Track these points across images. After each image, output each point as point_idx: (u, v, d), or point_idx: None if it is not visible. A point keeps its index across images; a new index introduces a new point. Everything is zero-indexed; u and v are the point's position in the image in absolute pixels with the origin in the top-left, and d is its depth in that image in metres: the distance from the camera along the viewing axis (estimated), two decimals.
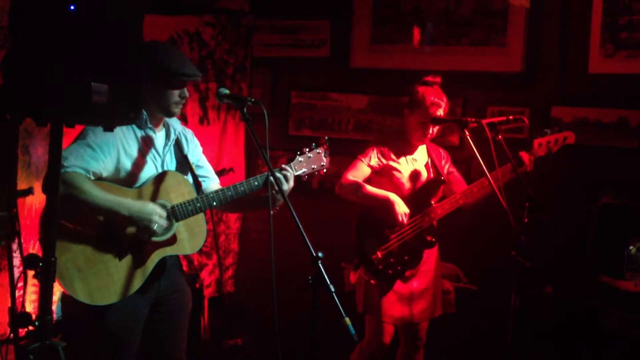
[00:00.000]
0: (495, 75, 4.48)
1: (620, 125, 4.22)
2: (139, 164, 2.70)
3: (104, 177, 2.64)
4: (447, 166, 3.71)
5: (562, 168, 4.21)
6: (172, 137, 2.85)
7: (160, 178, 2.74)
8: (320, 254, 2.25)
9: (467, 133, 3.22)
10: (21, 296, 2.40)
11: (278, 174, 2.76)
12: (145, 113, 2.72)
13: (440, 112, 3.45)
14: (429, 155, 3.66)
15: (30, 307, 3.49)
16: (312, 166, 2.92)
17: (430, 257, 3.62)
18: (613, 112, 4.23)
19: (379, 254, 3.47)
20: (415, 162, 3.62)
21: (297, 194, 2.84)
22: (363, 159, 3.54)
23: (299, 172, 2.88)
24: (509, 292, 3.14)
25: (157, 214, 2.62)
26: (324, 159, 2.94)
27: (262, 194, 2.82)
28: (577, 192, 4.23)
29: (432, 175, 3.62)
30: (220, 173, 3.12)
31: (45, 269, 2.02)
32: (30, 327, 2.04)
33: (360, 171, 3.52)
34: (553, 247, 4.06)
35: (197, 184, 2.84)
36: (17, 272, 3.26)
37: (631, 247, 3.86)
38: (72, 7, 1.87)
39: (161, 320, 2.84)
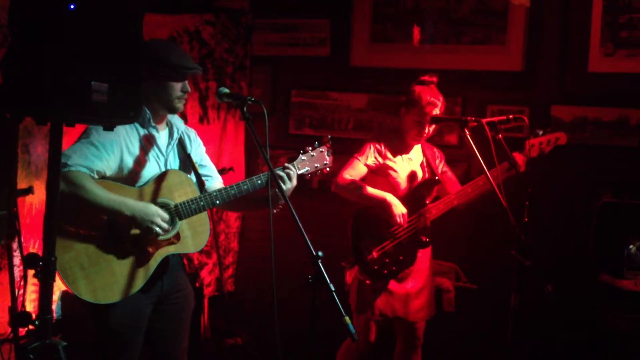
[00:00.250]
0: (495, 74, 4.48)
1: (620, 124, 4.22)
2: (142, 162, 2.70)
3: (108, 175, 2.64)
4: (441, 165, 3.71)
5: (562, 167, 4.21)
6: (175, 136, 2.85)
7: (163, 177, 2.74)
8: (320, 253, 2.25)
9: (467, 132, 3.22)
10: (21, 295, 2.40)
11: (281, 173, 2.76)
12: (148, 112, 2.72)
13: (437, 112, 3.45)
14: (424, 154, 3.67)
15: (31, 306, 3.49)
16: (315, 165, 2.92)
17: (424, 256, 3.62)
18: (613, 110, 4.23)
19: (375, 254, 3.48)
20: (411, 161, 3.62)
21: (297, 194, 2.84)
22: (360, 158, 3.54)
23: (302, 171, 2.88)
24: (508, 292, 3.14)
25: (159, 217, 2.62)
26: (327, 157, 2.94)
27: (265, 193, 2.83)
28: (577, 191, 4.23)
29: (427, 175, 3.63)
30: (220, 172, 3.12)
31: (45, 268, 2.02)
32: (31, 327, 2.04)
33: (356, 170, 3.52)
34: (553, 246, 4.05)
35: (201, 183, 2.84)
36: (17, 272, 3.26)
37: (631, 246, 3.86)
38: (72, 6, 1.87)
39: (164, 319, 2.84)
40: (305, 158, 2.90)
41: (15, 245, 3.21)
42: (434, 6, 4.63)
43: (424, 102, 3.43)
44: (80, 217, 2.57)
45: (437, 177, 3.58)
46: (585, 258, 4.03)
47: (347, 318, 2.18)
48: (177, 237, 2.73)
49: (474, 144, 3.17)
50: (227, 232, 5.04)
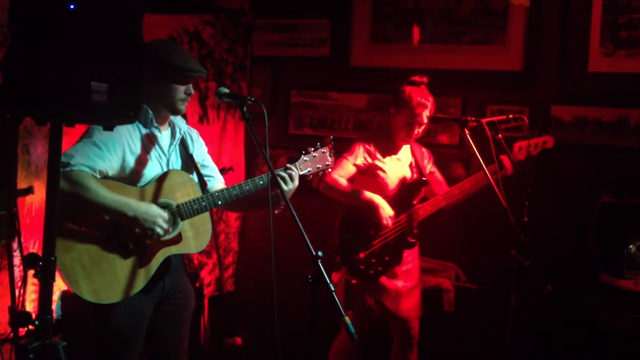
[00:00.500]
0: (495, 74, 4.48)
1: (620, 124, 4.23)
2: (144, 162, 2.71)
3: (110, 175, 2.64)
4: (429, 166, 3.72)
5: (562, 167, 4.22)
6: (178, 136, 2.85)
7: (165, 177, 2.74)
8: (320, 253, 2.25)
9: (467, 132, 3.22)
10: (21, 295, 2.40)
11: (283, 173, 2.76)
12: (150, 112, 2.72)
13: (427, 113, 3.46)
14: (413, 155, 3.67)
15: (30, 306, 3.49)
16: (317, 165, 2.92)
17: (412, 256, 3.63)
18: (613, 110, 4.23)
19: (361, 255, 3.49)
20: (400, 162, 3.63)
21: (297, 193, 2.85)
22: (349, 158, 3.54)
23: (304, 172, 2.88)
24: (508, 291, 3.14)
25: (161, 218, 2.62)
26: (329, 158, 2.95)
27: (266, 193, 2.82)
28: (576, 191, 4.23)
29: (415, 175, 3.64)
30: (220, 172, 3.12)
31: (45, 268, 2.02)
32: (31, 327, 2.04)
33: (345, 170, 3.52)
34: (553, 246, 4.06)
35: (203, 183, 2.84)
36: (17, 271, 3.26)
37: (631, 246, 3.86)
38: (71, 6, 1.87)
39: (164, 319, 2.84)
40: (307, 159, 2.90)
41: (15, 245, 3.22)
42: (433, 6, 4.63)
43: (414, 103, 3.43)
44: (82, 217, 2.57)
45: (425, 178, 3.59)
46: (585, 258, 4.03)
47: (347, 318, 2.18)
48: (179, 237, 2.73)
49: (474, 144, 3.18)
50: (227, 232, 5.04)
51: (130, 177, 2.68)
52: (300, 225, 2.32)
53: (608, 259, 3.92)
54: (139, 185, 2.69)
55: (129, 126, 2.69)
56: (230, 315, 4.74)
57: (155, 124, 2.76)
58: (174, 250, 2.73)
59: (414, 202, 3.56)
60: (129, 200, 2.59)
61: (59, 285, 2.61)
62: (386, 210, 3.45)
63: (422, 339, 3.72)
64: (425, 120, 3.48)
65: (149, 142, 2.75)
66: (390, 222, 3.46)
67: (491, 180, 3.15)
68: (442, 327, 4.04)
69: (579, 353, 3.92)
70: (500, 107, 4.42)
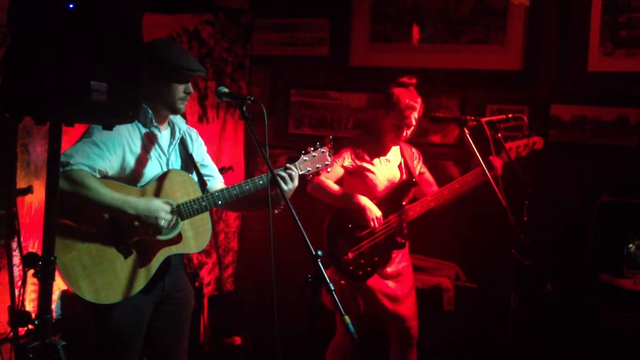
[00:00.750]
0: (495, 73, 4.48)
1: (619, 123, 4.23)
2: (144, 162, 2.70)
3: (110, 175, 2.64)
4: (419, 166, 3.72)
5: (561, 166, 4.22)
6: (177, 135, 2.85)
7: (165, 177, 2.74)
8: (319, 253, 2.26)
9: (467, 131, 3.22)
10: (21, 295, 2.39)
11: (283, 173, 2.76)
12: (150, 111, 2.72)
13: (415, 115, 3.46)
14: (402, 155, 3.67)
15: (30, 306, 3.49)
16: (317, 165, 2.92)
17: (404, 257, 3.63)
18: (612, 110, 4.23)
19: (350, 255, 3.49)
20: (389, 162, 3.63)
21: (297, 193, 2.85)
22: (336, 160, 3.53)
23: (304, 171, 2.88)
24: (508, 291, 3.15)
25: (163, 210, 2.61)
26: (329, 158, 2.95)
27: (266, 193, 2.82)
28: (576, 190, 4.23)
29: (404, 176, 3.63)
30: (219, 171, 3.12)
31: (44, 268, 2.01)
32: (30, 326, 2.04)
33: (333, 172, 3.51)
34: (552, 245, 4.06)
35: (202, 183, 2.84)
36: (16, 271, 3.26)
37: (631, 245, 3.86)
38: (71, 5, 1.87)
39: (164, 318, 2.84)
40: (307, 158, 2.90)
41: (14, 244, 3.21)
42: (433, 6, 4.63)
43: (403, 105, 3.43)
44: (82, 217, 2.57)
45: (414, 179, 3.58)
46: (584, 257, 4.03)
47: (347, 317, 2.18)
48: (179, 237, 2.73)
49: (473, 143, 3.18)
50: (226, 232, 5.04)
51: (130, 177, 2.68)
52: (300, 225, 2.32)
53: (608, 258, 3.92)
54: (139, 185, 2.69)
55: (129, 126, 2.69)
56: (230, 314, 4.74)
57: (155, 124, 2.76)
58: (174, 250, 2.73)
59: (404, 203, 3.56)
60: (129, 197, 2.59)
61: (59, 285, 2.61)
62: (373, 212, 3.45)
63: (422, 339, 3.72)
64: (414, 122, 3.48)
65: (148, 141, 2.75)
66: (377, 223, 3.46)
67: (491, 180, 3.15)
68: (442, 327, 4.04)
69: (578, 353, 3.92)
70: (499, 106, 4.42)
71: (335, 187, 3.52)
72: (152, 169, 2.73)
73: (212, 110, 4.83)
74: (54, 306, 3.64)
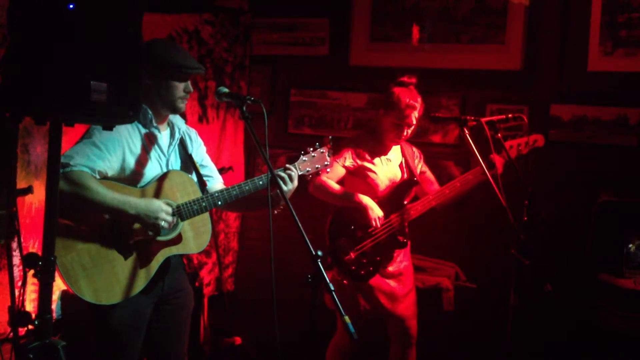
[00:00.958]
0: (495, 73, 4.48)
1: (619, 123, 4.22)
2: (144, 163, 2.70)
3: (110, 176, 2.64)
4: (420, 165, 3.72)
5: (561, 166, 4.22)
6: (177, 136, 2.85)
7: (165, 177, 2.74)
8: (319, 253, 2.26)
9: (467, 131, 3.22)
10: (21, 295, 2.39)
11: (282, 174, 2.76)
12: (150, 112, 2.72)
13: (416, 114, 3.46)
14: (403, 154, 3.67)
15: (30, 306, 3.49)
16: (316, 165, 2.93)
17: (405, 255, 3.63)
18: (612, 109, 4.23)
19: (352, 255, 3.49)
20: (390, 162, 3.63)
21: (297, 193, 2.85)
22: (337, 160, 3.53)
23: (303, 172, 2.88)
24: (508, 290, 3.14)
25: (163, 211, 2.62)
26: (328, 158, 2.95)
27: (266, 193, 2.82)
28: (576, 190, 4.23)
29: (406, 175, 3.64)
30: (219, 172, 3.13)
31: (44, 268, 2.01)
32: (30, 326, 2.03)
33: (334, 172, 3.52)
34: (552, 245, 4.06)
35: (202, 184, 2.84)
36: (16, 271, 3.26)
37: (630, 245, 3.86)
38: (71, 6, 1.87)
39: (164, 319, 2.84)
40: (306, 159, 2.90)
41: (14, 244, 3.21)
42: (433, 5, 4.63)
43: (403, 105, 3.43)
44: (82, 217, 2.57)
45: (415, 179, 3.59)
46: (584, 257, 4.03)
47: (346, 317, 2.18)
48: (179, 237, 2.73)
49: (473, 143, 3.18)
50: (226, 232, 5.04)
51: (130, 178, 2.68)
52: (300, 225, 2.32)
53: (607, 258, 3.92)
54: (139, 185, 2.69)
55: (129, 126, 2.69)
56: (230, 314, 4.74)
57: (155, 124, 2.76)
58: (174, 250, 2.73)
59: (405, 202, 3.56)
60: (130, 198, 2.59)
61: (59, 285, 2.60)
62: (375, 211, 3.45)
63: (421, 338, 3.72)
64: (414, 122, 3.48)
65: (148, 142, 2.75)
66: (379, 223, 3.46)
67: (490, 179, 3.16)
68: (442, 327, 4.04)
69: (578, 352, 3.92)
70: (499, 106, 4.42)
71: (337, 187, 3.52)
72: (152, 170, 2.73)
73: (212, 110, 4.83)
74: (54, 306, 3.64)
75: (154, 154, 2.75)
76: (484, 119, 3.27)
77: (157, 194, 2.70)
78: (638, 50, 4.17)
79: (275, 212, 2.80)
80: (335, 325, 3.74)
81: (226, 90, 2.70)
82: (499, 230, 3.34)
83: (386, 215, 3.50)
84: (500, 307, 3.37)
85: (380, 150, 3.61)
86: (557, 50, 4.35)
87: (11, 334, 2.59)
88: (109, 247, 2.61)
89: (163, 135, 2.81)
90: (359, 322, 3.54)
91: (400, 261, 3.61)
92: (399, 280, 3.60)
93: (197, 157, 2.93)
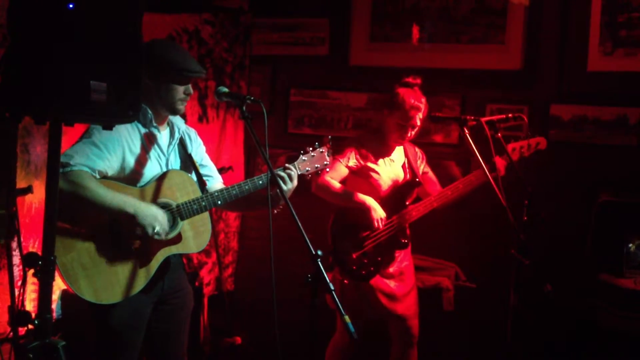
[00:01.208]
0: (495, 73, 4.48)
1: (619, 123, 4.23)
2: (143, 162, 2.70)
3: (109, 175, 2.64)
4: (422, 166, 3.72)
5: (561, 166, 4.22)
6: (177, 135, 2.85)
7: (165, 177, 2.74)
8: (319, 252, 2.26)
9: (467, 131, 3.22)
10: (21, 295, 2.39)
11: (282, 173, 2.77)
12: (150, 112, 2.72)
13: (420, 116, 3.46)
14: (406, 155, 3.67)
15: (30, 305, 3.49)
16: (316, 165, 2.93)
17: (406, 257, 3.63)
18: (612, 109, 4.23)
19: (354, 255, 3.49)
20: (393, 163, 3.63)
21: (296, 193, 2.85)
22: (341, 160, 3.53)
23: (303, 172, 2.88)
24: (508, 290, 3.14)
25: (160, 217, 2.61)
26: (327, 158, 2.95)
27: (265, 193, 2.82)
28: (576, 190, 4.23)
29: (408, 176, 3.64)
30: (219, 171, 3.13)
31: (44, 268, 2.01)
32: (30, 326, 2.03)
33: (337, 172, 3.52)
34: (552, 245, 4.06)
35: (202, 183, 2.84)
36: (16, 271, 3.26)
37: (630, 245, 3.86)
38: (70, 5, 1.87)
39: (163, 318, 2.84)
40: (306, 158, 2.91)
41: (14, 244, 3.21)
42: (433, 5, 4.63)
43: (407, 106, 3.43)
44: (82, 217, 2.57)
45: (417, 180, 3.58)
46: (584, 257, 4.03)
47: (347, 317, 2.18)
48: (179, 237, 2.73)
49: (473, 143, 3.18)
50: (226, 231, 5.04)
51: (130, 177, 2.68)
52: (300, 225, 2.32)
53: (607, 258, 3.92)
54: (138, 185, 2.69)
55: (128, 126, 2.69)
56: (230, 314, 4.74)
57: (155, 124, 2.76)
58: (174, 250, 2.73)
59: (407, 203, 3.56)
60: (129, 198, 2.60)
61: (59, 285, 2.61)
62: (378, 212, 3.45)
63: (421, 338, 3.72)
64: (419, 123, 3.48)
65: (148, 142, 2.75)
66: (381, 224, 3.46)
67: (490, 179, 3.15)
68: (442, 327, 4.04)
69: (578, 352, 3.92)
70: (499, 106, 4.42)
71: (340, 187, 3.52)
72: (152, 169, 2.73)
73: (212, 110, 4.83)
74: (54, 306, 3.64)
75: (153, 153, 2.75)
76: (483, 119, 3.27)
77: (157, 194, 2.70)
78: (638, 50, 4.17)
79: (275, 211, 2.80)
80: (335, 325, 3.74)
81: (226, 90, 2.71)
82: (499, 230, 3.33)
83: (388, 216, 3.50)
84: (500, 307, 3.36)
85: (383, 150, 3.60)
86: (557, 50, 4.36)
87: (11, 333, 2.59)
88: (109, 246, 2.61)
89: (163, 135, 2.81)
90: (359, 322, 3.55)
91: (401, 261, 3.61)
92: (399, 280, 3.60)
93: (196, 157, 2.93)
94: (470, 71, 4.52)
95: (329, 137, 2.99)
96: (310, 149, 2.93)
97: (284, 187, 2.74)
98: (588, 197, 4.09)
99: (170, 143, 2.83)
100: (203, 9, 4.72)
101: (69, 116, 1.98)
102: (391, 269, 3.57)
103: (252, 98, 2.63)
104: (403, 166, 3.66)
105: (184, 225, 2.74)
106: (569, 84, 4.33)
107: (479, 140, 3.24)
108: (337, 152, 3.55)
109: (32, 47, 1.86)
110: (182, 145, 2.88)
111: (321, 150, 2.94)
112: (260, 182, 2.80)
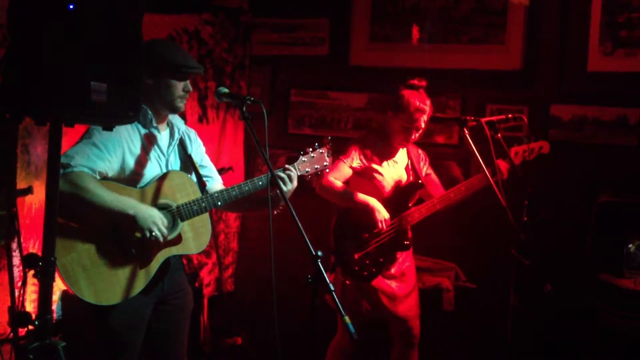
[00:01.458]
0: (495, 73, 4.48)
1: (619, 123, 4.23)
2: (143, 163, 2.70)
3: (109, 176, 2.64)
4: (425, 168, 3.72)
5: (561, 166, 4.22)
6: (177, 136, 2.85)
7: (165, 177, 2.74)
8: (319, 253, 2.25)
9: (467, 131, 3.22)
10: (21, 295, 2.39)
11: (282, 174, 2.77)
12: (150, 112, 2.72)
13: (425, 118, 3.45)
14: (409, 157, 3.67)
15: (30, 306, 3.49)
16: (315, 166, 2.92)
17: (408, 258, 3.64)
18: (612, 110, 4.23)
19: (356, 256, 3.49)
20: (396, 164, 3.62)
21: (297, 193, 2.85)
22: (345, 160, 3.53)
23: (302, 172, 2.88)
24: (508, 291, 3.14)
25: (160, 220, 2.61)
26: (327, 159, 2.95)
27: (265, 194, 2.82)
28: (576, 190, 4.23)
29: (411, 177, 3.63)
30: (219, 172, 3.12)
31: (44, 269, 2.01)
32: (30, 327, 2.03)
33: (341, 172, 3.51)
34: (552, 245, 4.06)
35: (202, 184, 2.84)
36: (16, 272, 3.26)
37: (630, 245, 3.86)
38: (71, 6, 1.87)
39: (163, 319, 2.84)
40: (305, 159, 2.90)
41: (14, 245, 3.21)
42: (433, 5, 4.63)
43: (412, 108, 3.42)
44: (82, 218, 2.57)
45: (420, 182, 3.58)
46: (584, 257, 4.03)
47: (347, 317, 2.18)
48: (179, 238, 2.73)
49: (473, 143, 3.18)
50: (226, 232, 5.04)
51: (130, 178, 2.67)
52: (300, 225, 2.32)
53: (607, 258, 3.92)
54: (138, 186, 2.68)
55: (128, 126, 2.68)
56: (230, 315, 4.74)
57: (155, 124, 2.76)
58: (174, 251, 2.73)
59: (410, 205, 3.56)
60: (130, 199, 2.59)
61: (59, 285, 2.60)
62: (382, 213, 3.45)
63: (422, 339, 3.72)
64: (423, 125, 3.48)
65: (148, 142, 2.74)
66: (385, 225, 3.46)
67: (492, 181, 3.15)
68: (442, 327, 4.04)
69: (578, 353, 3.92)
70: (499, 106, 4.42)
71: (344, 187, 3.51)
72: (152, 170, 2.73)
73: (212, 110, 4.83)
74: (54, 307, 3.64)
75: (153, 154, 2.75)
76: (483, 119, 3.27)
77: (157, 195, 2.70)
78: (638, 50, 4.17)
79: (275, 212, 2.80)
80: (335, 325, 3.74)
81: (226, 90, 2.70)
82: (499, 230, 3.33)
83: (391, 217, 3.50)
84: (500, 307, 3.36)
85: (387, 152, 3.60)
86: (557, 50, 4.36)
87: (11, 334, 2.59)
88: (109, 247, 2.60)
89: (162, 136, 2.81)
90: (360, 322, 3.55)
91: (403, 262, 3.61)
92: (400, 280, 3.60)
93: (196, 158, 2.92)
94: (470, 71, 4.53)
95: (329, 137, 2.99)
96: (310, 149, 2.93)
97: (284, 188, 2.74)
98: (588, 197, 4.09)
99: (170, 144, 2.83)
100: (203, 9, 4.72)
101: (69, 117, 1.98)
102: (393, 270, 3.57)
103: (252, 99, 2.63)
104: (406, 168, 3.66)
105: (184, 226, 2.74)
106: (569, 84, 4.33)
107: (479, 140, 3.25)
108: (341, 152, 3.55)
109: (32, 47, 1.86)
110: (182, 145, 2.88)
111: (321, 151, 2.94)
112: (260, 183, 2.80)
